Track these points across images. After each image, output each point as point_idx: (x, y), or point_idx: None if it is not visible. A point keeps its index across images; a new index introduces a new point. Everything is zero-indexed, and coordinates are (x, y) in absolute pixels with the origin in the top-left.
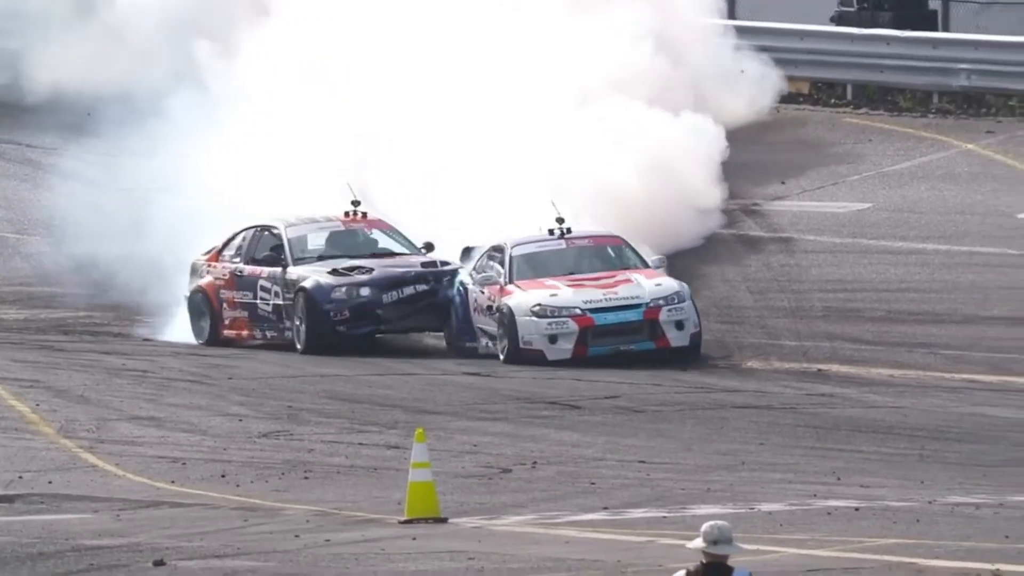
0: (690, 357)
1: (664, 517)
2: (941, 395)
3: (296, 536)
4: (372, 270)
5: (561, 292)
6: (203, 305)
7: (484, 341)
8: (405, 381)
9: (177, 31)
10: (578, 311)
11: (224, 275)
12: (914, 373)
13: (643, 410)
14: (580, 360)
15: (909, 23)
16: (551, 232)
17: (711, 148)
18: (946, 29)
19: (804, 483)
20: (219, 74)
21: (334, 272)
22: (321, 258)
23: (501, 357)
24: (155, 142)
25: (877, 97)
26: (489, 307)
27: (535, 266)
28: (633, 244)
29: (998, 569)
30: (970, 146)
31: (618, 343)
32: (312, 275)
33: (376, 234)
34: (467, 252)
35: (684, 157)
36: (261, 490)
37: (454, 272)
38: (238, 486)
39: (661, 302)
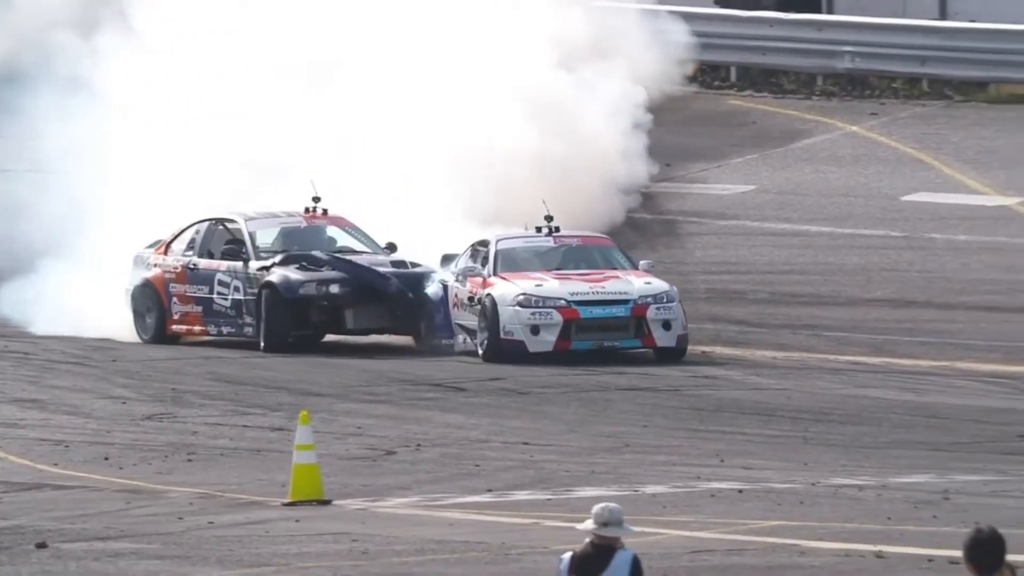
0: (675, 358)
1: (548, 499)
2: (825, 377)
3: (180, 518)
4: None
5: (547, 283)
6: (150, 299)
7: (462, 337)
8: (289, 363)
9: (76, 14)
10: (563, 302)
11: (175, 268)
12: (798, 355)
13: (527, 392)
14: (562, 355)
15: (793, 5)
16: (539, 230)
17: (631, 121)
18: (830, 11)
19: (688, 465)
20: (121, 63)
21: (303, 268)
22: (286, 252)
23: (480, 352)
24: (39, 126)
25: (761, 79)
26: (470, 299)
27: (520, 262)
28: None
29: (881, 551)
30: (854, 128)
31: (602, 339)
32: (279, 270)
33: (337, 232)
34: (447, 259)
35: (605, 134)
36: (144, 472)
37: (424, 275)
38: (121, 468)
39: (650, 300)
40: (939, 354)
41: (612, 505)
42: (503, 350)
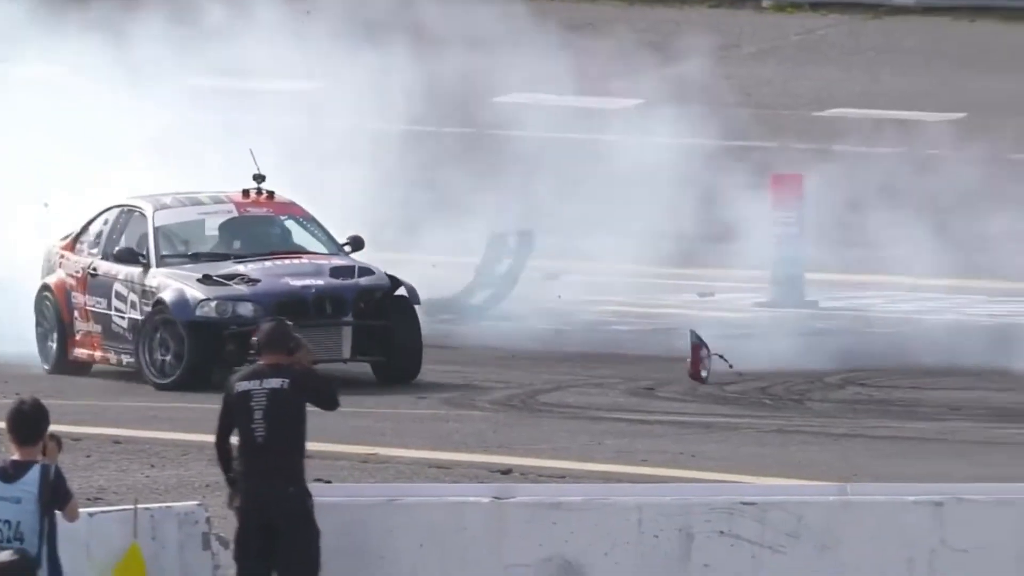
0: None
1: None
2: None
3: None
4: (258, 281)
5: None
6: (51, 313)
7: None
8: None
9: None
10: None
11: (77, 272)
12: None
13: None
14: None
15: None
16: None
17: None
18: None
19: None
20: None
21: (206, 279)
22: (197, 256)
23: None
24: None
25: None
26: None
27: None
28: None
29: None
30: None
31: None
32: (175, 282)
33: (289, 223)
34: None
35: None
36: None
37: (376, 288)
38: None
39: None
40: None
41: None
42: None
